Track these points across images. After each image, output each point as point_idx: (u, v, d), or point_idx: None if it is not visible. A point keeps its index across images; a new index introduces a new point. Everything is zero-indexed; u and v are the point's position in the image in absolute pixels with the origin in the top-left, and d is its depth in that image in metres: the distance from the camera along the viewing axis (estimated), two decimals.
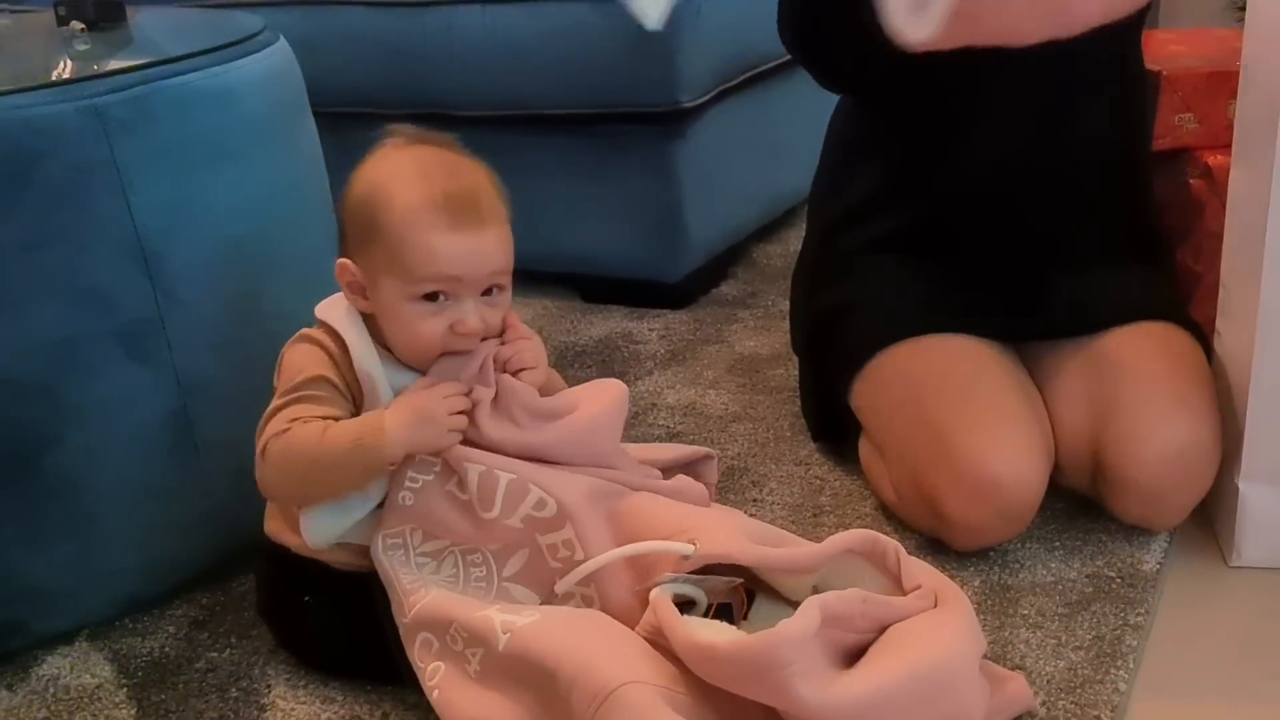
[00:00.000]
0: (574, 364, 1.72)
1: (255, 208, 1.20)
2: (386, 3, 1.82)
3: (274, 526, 1.09)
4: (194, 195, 1.14)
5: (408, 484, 1.01)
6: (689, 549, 0.96)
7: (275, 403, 1.02)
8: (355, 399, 1.03)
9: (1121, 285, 1.26)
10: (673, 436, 1.49)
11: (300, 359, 1.03)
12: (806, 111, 1.72)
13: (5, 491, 1.09)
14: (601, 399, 1.07)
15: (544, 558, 1.00)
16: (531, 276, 1.94)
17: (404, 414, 0.99)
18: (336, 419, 1.00)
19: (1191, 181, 1.54)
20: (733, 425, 1.52)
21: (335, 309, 1.06)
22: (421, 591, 0.98)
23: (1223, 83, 1.47)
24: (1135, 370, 1.17)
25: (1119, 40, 1.22)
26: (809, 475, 1.39)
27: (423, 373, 1.04)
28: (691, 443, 1.43)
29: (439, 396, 1.00)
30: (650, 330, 1.83)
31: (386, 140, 1.05)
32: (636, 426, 1.51)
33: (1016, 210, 1.23)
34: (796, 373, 1.54)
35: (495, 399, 1.02)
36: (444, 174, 1.01)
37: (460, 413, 1.00)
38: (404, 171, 1.01)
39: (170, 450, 1.17)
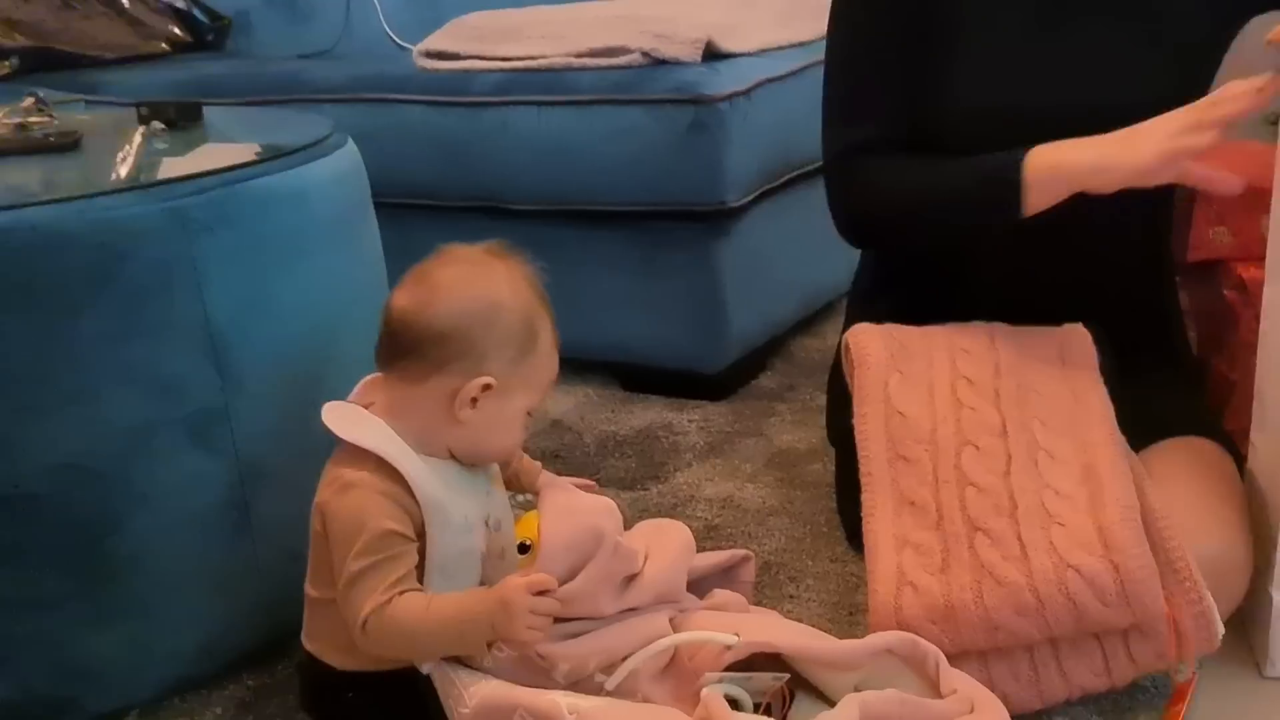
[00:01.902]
0: (614, 453, 1.75)
1: (320, 303, 1.25)
2: (446, 102, 1.89)
3: (316, 646, 1.10)
4: (264, 291, 1.19)
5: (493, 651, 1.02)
6: (733, 639, 0.99)
7: (352, 567, 0.99)
8: (417, 529, 1.03)
9: (1151, 399, 1.28)
10: (710, 530, 1.52)
11: (360, 512, 1.00)
12: None
13: (69, 572, 1.13)
14: (670, 547, 1.11)
15: None
16: (574, 364, 1.98)
17: (490, 603, 0.98)
18: (418, 567, 1.01)
19: (1226, 293, 1.57)
20: (770, 519, 1.54)
21: (372, 432, 1.03)
22: (482, 682, 1.01)
23: (1257, 198, 1.50)
24: (1165, 486, 1.19)
25: None
26: (845, 572, 1.41)
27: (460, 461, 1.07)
28: (729, 536, 1.46)
29: (525, 594, 0.97)
30: (689, 421, 1.86)
31: (457, 251, 1.08)
32: (675, 519, 1.54)
33: (1050, 321, 1.26)
34: (833, 467, 1.56)
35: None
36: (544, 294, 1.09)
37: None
38: (529, 286, 1.07)
39: (228, 534, 1.21)
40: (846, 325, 1.49)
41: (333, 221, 1.28)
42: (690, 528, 1.52)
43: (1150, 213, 1.33)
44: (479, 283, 1.04)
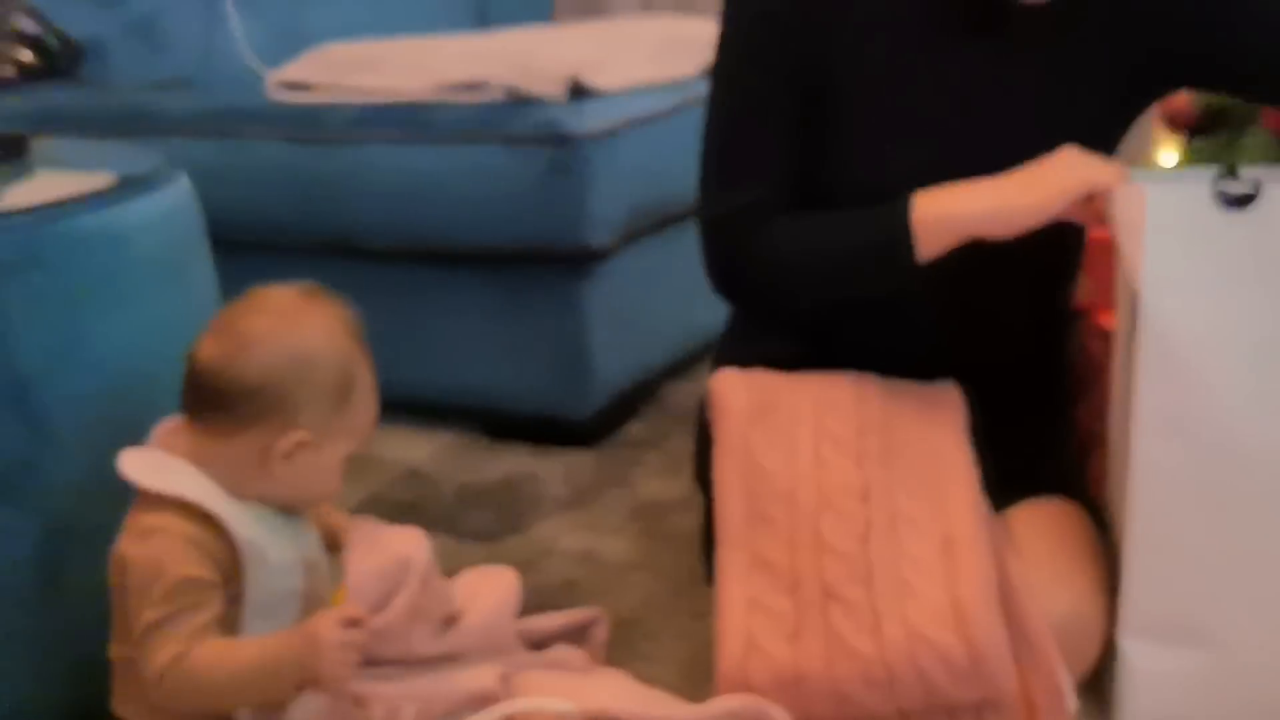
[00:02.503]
0: (473, 505, 1.70)
1: (142, 348, 1.18)
2: (301, 139, 1.83)
3: (126, 710, 1.05)
4: (78, 337, 1.12)
5: (304, 699, 0.98)
6: (568, 706, 0.95)
7: (148, 617, 0.95)
8: (227, 573, 0.99)
9: (1020, 458, 1.26)
10: (568, 585, 1.47)
11: (158, 560, 0.96)
12: None
13: None
14: (494, 592, 1.09)
15: None
16: (435, 410, 1.93)
17: (298, 639, 0.95)
18: (220, 615, 0.97)
19: (1088, 343, 1.57)
20: (630, 574, 1.50)
21: (177, 477, 0.99)
22: None
23: (1115, 249, 1.52)
24: (1025, 549, 1.17)
25: None
26: (706, 629, 1.36)
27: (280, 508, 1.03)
28: (586, 592, 1.41)
29: (334, 626, 0.94)
30: (553, 471, 1.81)
31: (268, 296, 1.04)
32: (531, 574, 1.48)
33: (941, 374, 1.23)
34: (700, 518, 1.53)
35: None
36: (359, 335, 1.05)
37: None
38: (344, 331, 1.04)
39: (35, 596, 1.13)
40: (716, 370, 1.45)
41: (157, 263, 1.20)
42: (547, 583, 1.47)
43: (1047, 262, 1.29)
44: (291, 333, 1.00)
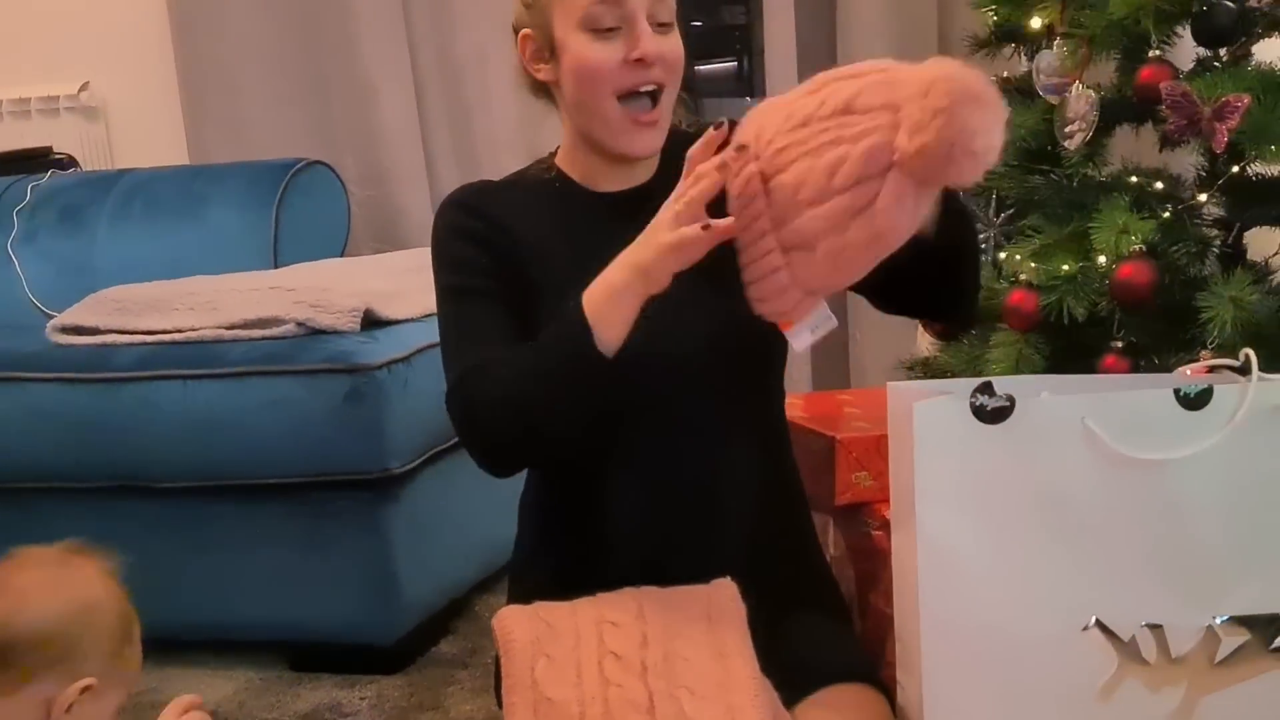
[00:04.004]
0: None
1: None
2: (81, 379, 1.79)
3: None
4: None
5: None
6: None
7: None
8: None
9: (804, 647, 1.29)
10: None
11: None
12: None
13: None
14: None
15: None
16: (234, 646, 1.86)
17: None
18: None
19: (873, 533, 1.64)
20: None
21: None
22: None
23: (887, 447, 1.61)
24: None
25: (762, 392, 1.33)
26: None
27: None
28: None
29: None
30: (361, 699, 1.76)
31: (33, 554, 1.06)
32: None
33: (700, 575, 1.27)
34: None
35: None
36: None
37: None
38: (114, 581, 1.06)
39: None
40: (508, 598, 1.46)
41: None
42: None
43: (770, 462, 1.37)
44: (68, 583, 1.03)
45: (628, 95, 1.22)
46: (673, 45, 1.23)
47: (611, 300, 1.15)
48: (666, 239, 1.11)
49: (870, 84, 1.02)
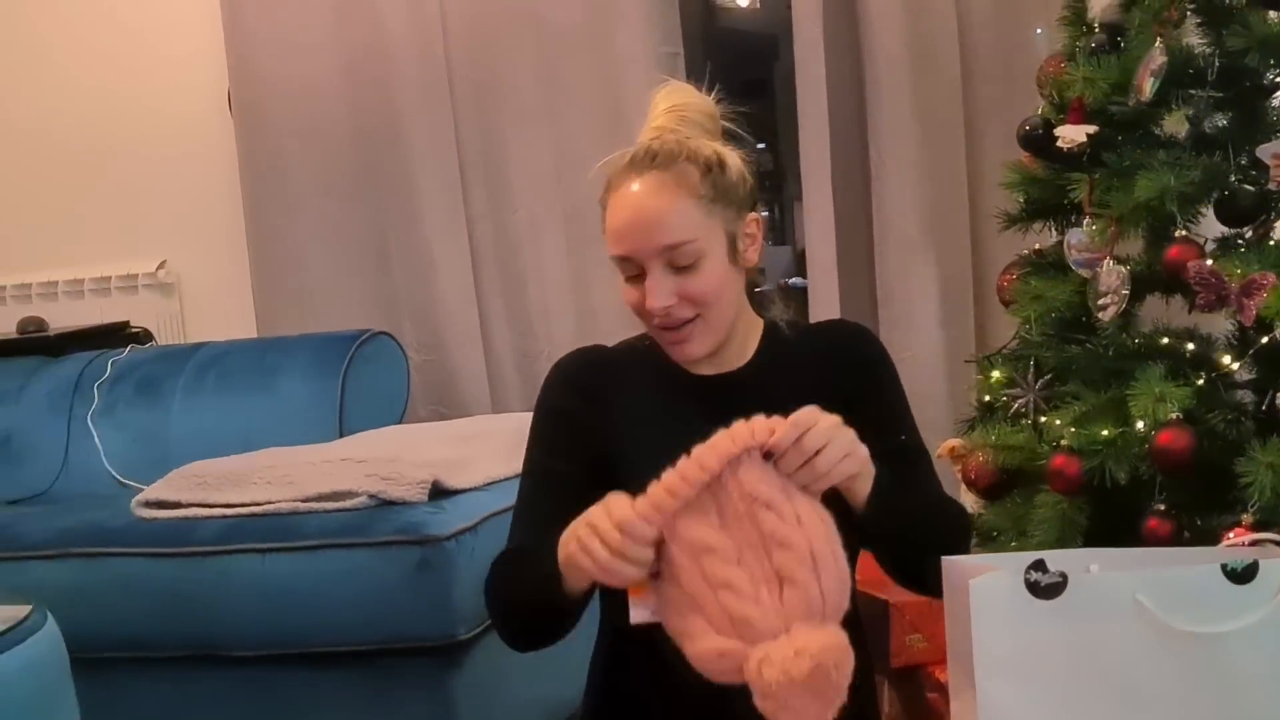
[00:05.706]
0: None
1: None
2: (165, 553, 1.86)
3: None
4: None
5: None
6: None
7: None
8: None
9: None
10: None
11: None
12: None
13: None
14: None
15: None
16: None
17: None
18: None
19: (929, 694, 1.68)
20: None
21: None
22: None
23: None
24: None
25: None
26: None
27: None
28: None
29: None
30: None
31: None
32: None
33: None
34: None
35: None
36: None
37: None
38: None
39: None
40: None
41: (22, 713, 1.21)
42: None
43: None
44: None
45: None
46: (697, 283, 1.25)
47: (571, 566, 1.17)
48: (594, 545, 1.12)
49: (793, 561, 1.08)
